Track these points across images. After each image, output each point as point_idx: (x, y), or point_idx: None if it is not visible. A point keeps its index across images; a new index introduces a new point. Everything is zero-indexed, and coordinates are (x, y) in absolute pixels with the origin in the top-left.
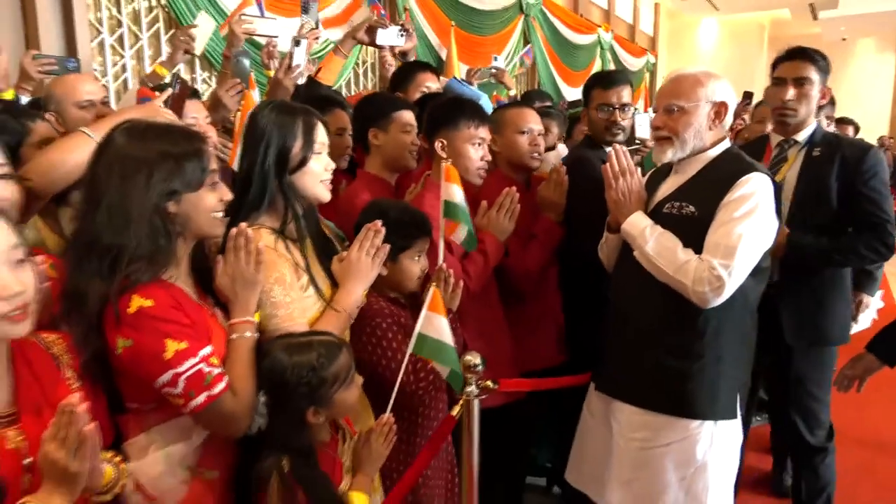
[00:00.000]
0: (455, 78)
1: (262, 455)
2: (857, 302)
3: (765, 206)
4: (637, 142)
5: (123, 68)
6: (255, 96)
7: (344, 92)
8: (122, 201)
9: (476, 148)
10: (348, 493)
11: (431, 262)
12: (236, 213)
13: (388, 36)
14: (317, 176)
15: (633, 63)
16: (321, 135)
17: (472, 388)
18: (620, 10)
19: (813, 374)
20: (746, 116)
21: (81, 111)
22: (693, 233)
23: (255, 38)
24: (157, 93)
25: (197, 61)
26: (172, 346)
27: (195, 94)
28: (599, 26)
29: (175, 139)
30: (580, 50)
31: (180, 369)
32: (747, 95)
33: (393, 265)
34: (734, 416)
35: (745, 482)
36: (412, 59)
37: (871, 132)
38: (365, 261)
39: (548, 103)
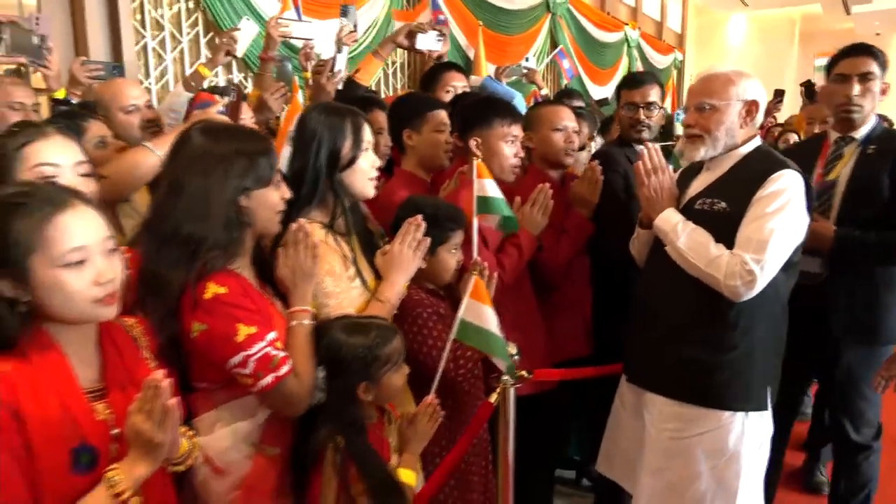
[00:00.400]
0: (489, 76)
1: (317, 427)
2: None
3: (796, 201)
4: (675, 139)
5: (164, 71)
6: (300, 98)
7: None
8: (202, 194)
9: (509, 145)
10: (398, 469)
11: (465, 256)
12: (289, 209)
13: (428, 41)
14: (365, 173)
15: (660, 61)
16: (368, 134)
17: (507, 377)
18: (648, 7)
19: (864, 373)
20: (777, 114)
21: (127, 115)
22: (725, 229)
23: (290, 40)
24: (217, 96)
25: (234, 63)
26: (244, 331)
27: (243, 98)
28: (626, 24)
29: (247, 139)
30: (607, 48)
31: (250, 352)
32: (778, 93)
33: (431, 258)
34: (765, 409)
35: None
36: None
37: None
38: (407, 254)
39: (581, 104)
